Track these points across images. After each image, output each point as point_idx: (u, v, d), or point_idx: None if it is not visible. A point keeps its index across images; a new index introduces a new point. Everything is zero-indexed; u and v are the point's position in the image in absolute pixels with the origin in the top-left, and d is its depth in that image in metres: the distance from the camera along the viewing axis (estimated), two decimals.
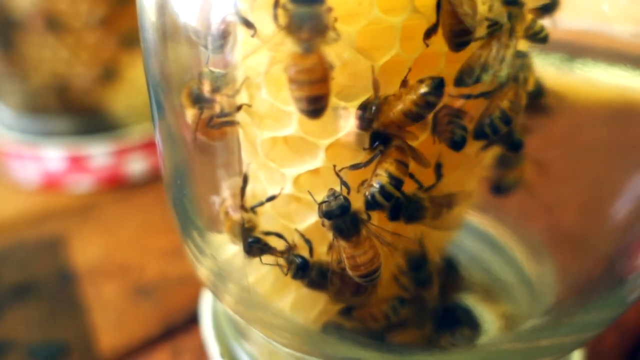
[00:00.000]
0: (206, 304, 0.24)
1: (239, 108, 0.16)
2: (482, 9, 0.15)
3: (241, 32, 0.15)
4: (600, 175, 0.19)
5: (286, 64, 0.14)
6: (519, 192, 0.19)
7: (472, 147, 0.18)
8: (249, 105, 0.16)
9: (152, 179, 0.42)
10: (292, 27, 0.13)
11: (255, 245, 0.17)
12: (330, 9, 0.13)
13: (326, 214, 0.16)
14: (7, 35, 0.37)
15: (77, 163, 0.40)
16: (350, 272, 0.16)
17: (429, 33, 0.15)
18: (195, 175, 0.19)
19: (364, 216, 0.16)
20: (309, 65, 0.13)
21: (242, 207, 0.17)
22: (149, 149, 0.42)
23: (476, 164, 0.20)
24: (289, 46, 0.14)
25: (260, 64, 0.15)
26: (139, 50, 0.39)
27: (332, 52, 0.14)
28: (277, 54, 0.15)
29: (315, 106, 0.14)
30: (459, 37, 0.15)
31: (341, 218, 0.16)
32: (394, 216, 0.17)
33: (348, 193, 0.16)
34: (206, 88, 0.16)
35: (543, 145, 0.19)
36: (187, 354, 0.26)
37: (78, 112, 0.41)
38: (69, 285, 0.31)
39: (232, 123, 0.16)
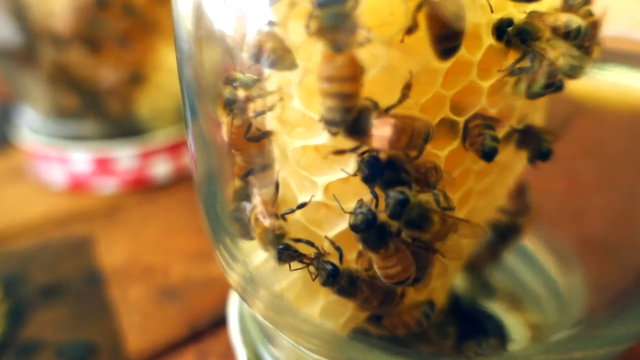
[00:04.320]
0: (233, 308, 0.24)
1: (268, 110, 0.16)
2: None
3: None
4: (633, 184, 0.19)
5: (318, 66, 0.14)
6: (549, 201, 0.19)
7: (503, 154, 0.18)
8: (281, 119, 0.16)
9: (177, 181, 0.43)
10: (322, 30, 0.14)
11: (285, 252, 0.17)
12: (355, 5, 0.13)
13: (352, 228, 0.16)
14: (34, 43, 0.38)
15: (103, 165, 0.40)
16: (382, 279, 0.16)
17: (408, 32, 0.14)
18: (228, 181, 0.19)
19: (392, 229, 0.16)
20: (340, 63, 0.13)
21: (275, 215, 0.17)
22: (173, 151, 0.42)
23: (507, 170, 0.19)
24: (320, 49, 0.14)
25: (293, 73, 0.16)
26: (164, 56, 0.40)
27: (366, 52, 0.14)
28: (310, 64, 0.15)
29: (344, 104, 0.14)
30: (445, 43, 0.14)
31: (366, 231, 0.16)
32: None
33: (376, 204, 0.16)
34: (239, 94, 0.16)
35: (574, 154, 0.19)
36: (212, 357, 0.26)
37: (104, 116, 0.41)
38: (96, 286, 0.31)
39: (268, 134, 0.16)
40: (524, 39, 0.15)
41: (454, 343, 0.20)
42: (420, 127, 0.15)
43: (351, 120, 0.14)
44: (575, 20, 0.15)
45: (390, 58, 0.15)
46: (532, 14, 0.15)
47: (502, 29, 0.15)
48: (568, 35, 0.15)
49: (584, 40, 0.15)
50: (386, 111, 0.15)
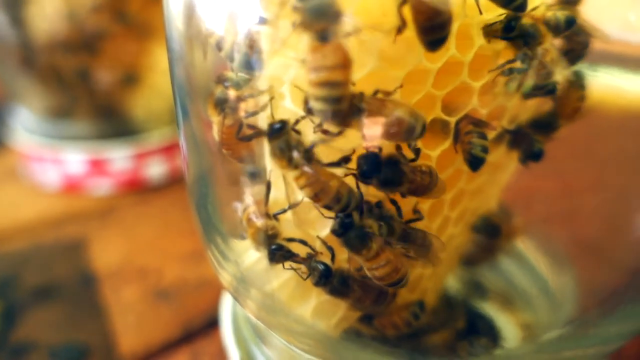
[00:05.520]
0: (226, 308, 0.24)
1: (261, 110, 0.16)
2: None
3: (266, 41, 0.15)
4: (626, 186, 0.19)
5: (306, 58, 0.14)
6: (541, 201, 0.19)
7: (495, 154, 0.18)
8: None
9: (171, 182, 0.43)
10: (306, 22, 0.13)
11: (278, 252, 0.17)
12: None
13: (332, 232, 0.16)
14: (29, 43, 0.38)
15: (97, 166, 0.40)
16: (375, 281, 0.16)
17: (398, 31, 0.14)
18: (219, 181, 0.19)
19: (374, 231, 0.16)
20: (327, 52, 0.13)
21: (266, 215, 0.17)
22: (168, 152, 0.42)
23: (499, 170, 0.19)
24: (307, 42, 0.14)
25: (285, 72, 0.16)
26: (158, 57, 0.40)
27: (354, 40, 0.14)
28: (300, 62, 0.15)
29: (334, 93, 0.14)
30: (432, 34, 0.14)
31: (345, 234, 0.16)
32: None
33: (360, 205, 0.16)
34: (231, 94, 0.16)
35: (566, 154, 0.19)
36: (206, 358, 0.26)
37: (99, 117, 0.41)
38: (90, 287, 0.31)
39: (260, 134, 0.16)
40: (527, 42, 0.15)
41: (463, 327, 0.20)
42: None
43: (342, 110, 0.14)
44: (561, 14, 0.15)
45: (381, 57, 0.15)
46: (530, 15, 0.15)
47: (510, 25, 0.15)
48: (556, 28, 0.15)
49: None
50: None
